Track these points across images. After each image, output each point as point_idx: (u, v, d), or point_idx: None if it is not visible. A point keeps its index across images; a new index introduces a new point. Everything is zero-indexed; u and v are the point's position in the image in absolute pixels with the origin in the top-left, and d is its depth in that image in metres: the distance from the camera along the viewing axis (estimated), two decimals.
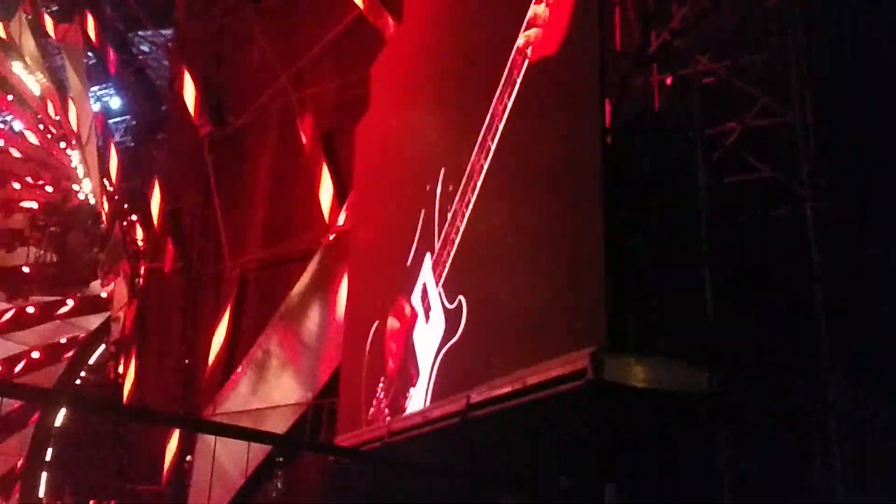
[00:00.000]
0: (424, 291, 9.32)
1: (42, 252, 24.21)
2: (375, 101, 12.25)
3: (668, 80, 8.50)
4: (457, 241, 8.77)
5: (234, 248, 15.85)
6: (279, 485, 13.36)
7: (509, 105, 8.26)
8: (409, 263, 9.76)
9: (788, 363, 7.09)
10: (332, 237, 13.24)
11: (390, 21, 13.11)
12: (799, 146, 7.69)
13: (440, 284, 9.02)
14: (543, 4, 7.97)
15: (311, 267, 13.39)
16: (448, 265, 8.94)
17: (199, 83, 17.13)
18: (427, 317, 9.20)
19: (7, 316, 28.22)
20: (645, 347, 6.75)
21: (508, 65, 8.35)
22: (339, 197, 13.60)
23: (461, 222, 8.71)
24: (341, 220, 13.25)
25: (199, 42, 17.76)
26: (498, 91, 8.44)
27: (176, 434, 15.43)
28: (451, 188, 9.14)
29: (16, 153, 26.62)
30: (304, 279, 13.47)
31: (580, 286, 6.96)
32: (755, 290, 7.38)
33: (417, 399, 9.06)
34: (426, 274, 9.29)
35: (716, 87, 8.10)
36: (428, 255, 9.31)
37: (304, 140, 14.58)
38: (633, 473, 6.61)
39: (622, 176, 7.40)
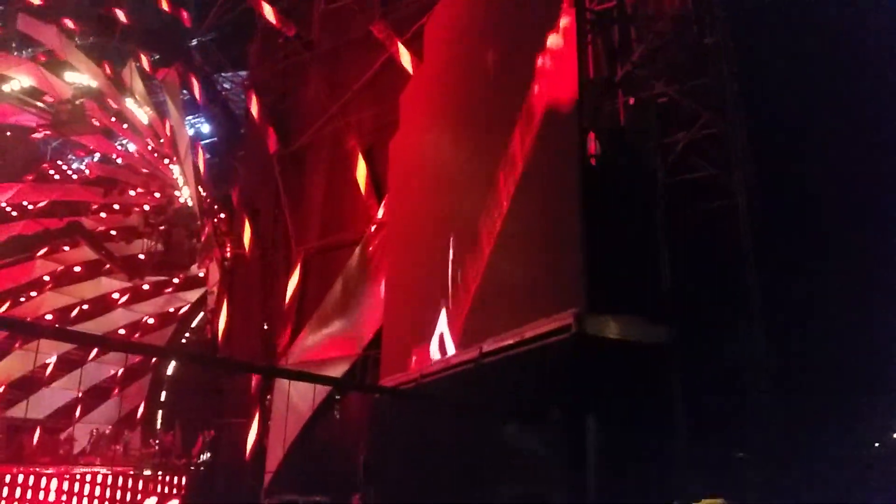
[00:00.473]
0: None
1: (153, 243, 24.19)
2: (404, 122, 12.16)
3: (631, 101, 8.39)
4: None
5: (299, 238, 15.80)
6: (337, 416, 13.36)
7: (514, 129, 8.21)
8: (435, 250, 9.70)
9: (727, 320, 7.06)
10: (373, 228, 13.18)
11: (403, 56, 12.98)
12: (732, 151, 7.62)
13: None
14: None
15: (358, 251, 13.35)
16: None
17: (268, 112, 17.05)
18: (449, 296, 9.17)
19: (129, 293, 28.41)
20: (616, 309, 6.71)
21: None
22: (378, 197, 13.54)
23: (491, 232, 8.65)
24: (380, 214, 13.18)
25: (268, 80, 17.65)
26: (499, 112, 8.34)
27: (258, 380, 15.45)
28: (470, 193, 9.07)
29: (133, 169, 26.60)
30: (353, 260, 13.43)
31: (565, 263, 6.92)
32: (701, 263, 7.32)
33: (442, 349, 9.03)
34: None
35: (668, 105, 8.02)
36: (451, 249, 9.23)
37: (349, 154, 14.51)
38: (609, 407, 6.56)
39: (596, 177, 7.34)
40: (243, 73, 20.40)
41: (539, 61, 7.95)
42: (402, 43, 13.81)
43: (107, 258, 22.02)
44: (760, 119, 7.82)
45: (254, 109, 17.42)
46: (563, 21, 7.46)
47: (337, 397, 12.98)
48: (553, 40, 7.80)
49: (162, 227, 22.34)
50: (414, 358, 9.82)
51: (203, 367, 19.41)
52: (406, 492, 9.25)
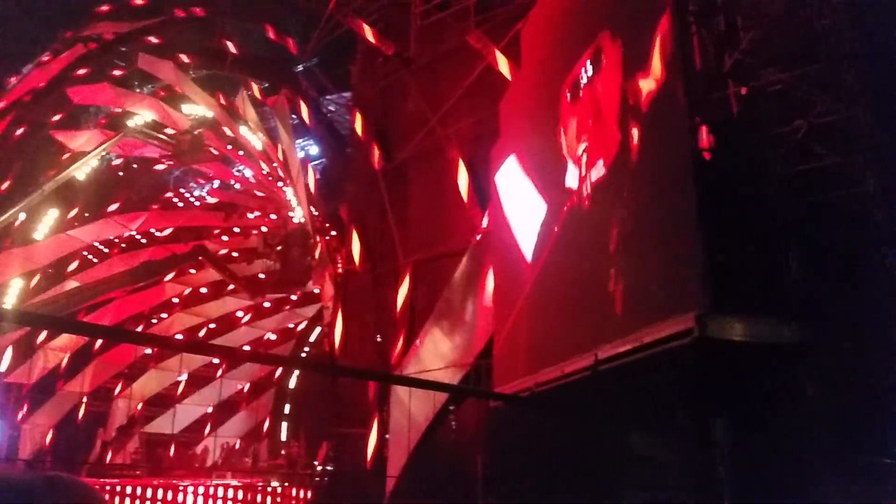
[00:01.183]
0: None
1: (272, 262, 25.28)
2: (504, 129, 12.14)
3: (743, 91, 8.02)
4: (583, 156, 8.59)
5: (406, 250, 16.06)
6: (453, 425, 13.45)
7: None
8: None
9: (863, 318, 6.57)
10: (478, 237, 13.21)
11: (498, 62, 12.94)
12: (857, 137, 7.14)
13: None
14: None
15: (464, 260, 13.40)
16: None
17: (372, 130, 17.47)
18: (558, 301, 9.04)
19: (251, 311, 29.84)
20: (740, 309, 6.39)
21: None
22: (481, 206, 13.56)
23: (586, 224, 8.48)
24: (484, 223, 13.20)
25: (370, 99, 18.10)
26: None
27: (376, 389, 15.77)
28: (572, 196, 8.93)
29: (249, 193, 27.94)
30: (460, 270, 13.49)
31: (682, 262, 6.64)
32: (829, 256, 6.86)
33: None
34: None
35: (783, 93, 7.60)
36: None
37: (451, 164, 14.63)
38: (738, 412, 6.26)
39: (711, 171, 7.03)
40: (346, 93, 21.04)
41: (641, 56, 7.74)
42: (499, 50, 13.83)
43: (230, 278, 23.21)
44: (887, 101, 7.27)
45: (358, 128, 17.90)
46: (665, 14, 7.23)
47: (451, 406, 13.09)
48: (655, 34, 7.57)
49: (279, 247, 23.27)
50: (526, 366, 9.74)
51: (324, 376, 20.01)
52: (526, 500, 9.19)
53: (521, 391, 9.50)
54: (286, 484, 20.35)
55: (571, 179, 9.03)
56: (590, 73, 8.78)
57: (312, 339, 30.20)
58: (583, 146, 8.70)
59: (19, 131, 23.90)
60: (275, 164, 22.64)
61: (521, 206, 10.83)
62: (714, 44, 8.26)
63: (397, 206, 16.39)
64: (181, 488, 19.87)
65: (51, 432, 25.94)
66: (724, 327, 6.13)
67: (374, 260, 17.43)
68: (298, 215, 22.10)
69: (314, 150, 24.57)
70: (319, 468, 19.83)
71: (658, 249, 7.02)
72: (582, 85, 8.98)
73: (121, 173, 27.39)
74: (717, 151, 7.36)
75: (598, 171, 8.26)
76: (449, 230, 14.80)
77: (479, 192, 13.70)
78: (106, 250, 26.37)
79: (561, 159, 9.35)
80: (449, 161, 14.68)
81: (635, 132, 7.63)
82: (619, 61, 7.97)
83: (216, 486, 20.73)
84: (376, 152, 17.05)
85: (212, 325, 29.88)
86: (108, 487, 19.25)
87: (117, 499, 19.07)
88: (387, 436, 15.10)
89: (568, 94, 9.30)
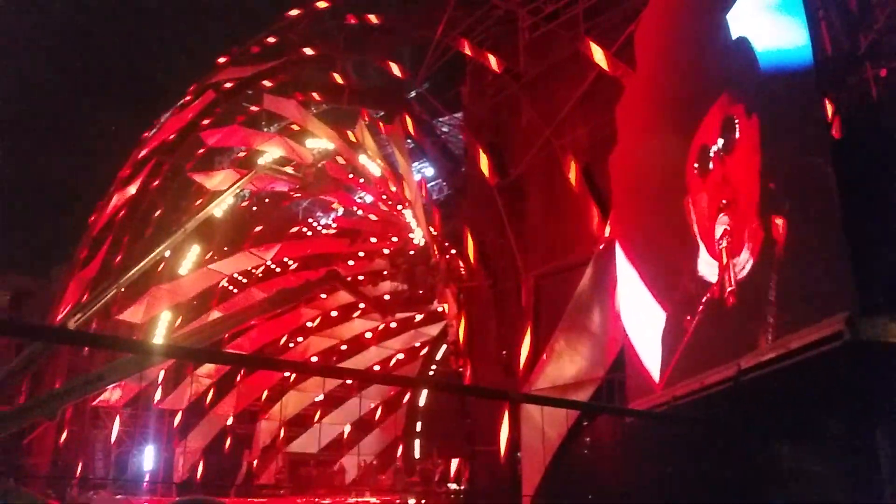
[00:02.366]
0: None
1: (398, 283, 25.93)
2: (622, 134, 11.84)
3: (883, 73, 7.40)
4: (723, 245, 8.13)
5: (526, 265, 15.93)
6: (587, 441, 13.14)
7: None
8: (671, 263, 9.24)
9: None
10: (601, 246, 12.91)
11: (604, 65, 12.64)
12: None
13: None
14: None
15: (589, 271, 13.10)
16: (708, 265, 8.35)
17: (486, 147, 17.56)
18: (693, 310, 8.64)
19: (379, 331, 30.67)
20: (894, 308, 5.87)
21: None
22: (603, 214, 13.26)
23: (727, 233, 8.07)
24: (607, 231, 12.89)
25: (482, 118, 18.22)
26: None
27: (506, 407, 15.69)
28: (702, 199, 8.55)
29: (371, 217, 28.88)
30: (585, 281, 13.20)
31: (826, 261, 6.20)
32: None
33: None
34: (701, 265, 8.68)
35: None
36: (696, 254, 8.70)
37: (568, 175, 14.44)
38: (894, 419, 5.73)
39: (851, 162, 6.52)
40: (458, 114, 21.32)
41: (764, 43, 7.33)
42: (611, 54, 13.56)
43: (362, 300, 23.98)
44: None
45: (472, 147, 18.07)
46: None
47: (584, 423, 12.78)
48: (779, 20, 7.16)
49: (404, 266, 23.83)
50: (662, 379, 9.37)
51: (452, 395, 20.22)
52: None
53: (658, 405, 9.14)
54: (423, 501, 20.63)
55: (700, 186, 8.64)
56: (720, 146, 8.27)
57: (438, 357, 30.61)
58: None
59: (160, 176, 25.95)
60: (393, 189, 23.25)
61: (645, 211, 10.51)
62: (845, 26, 7.71)
63: (515, 222, 16.33)
64: None
65: (201, 455, 27.71)
66: (877, 328, 5.67)
67: (496, 276, 17.42)
68: (418, 236, 22.55)
69: (430, 171, 25.04)
70: (454, 486, 19.92)
71: (803, 252, 6.58)
72: (711, 157, 8.46)
73: (254, 208, 29.10)
74: (856, 139, 6.84)
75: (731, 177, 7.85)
76: (570, 242, 14.56)
77: (600, 201, 13.41)
78: (244, 280, 28.03)
79: (687, 159, 8.97)
80: (566, 172, 14.49)
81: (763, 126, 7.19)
82: (757, 142, 7.45)
83: (355, 503, 21.33)
84: (491, 169, 17.11)
85: (343, 347, 30.98)
86: None
87: None
88: (519, 454, 14.95)
89: (696, 165, 8.79)
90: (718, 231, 8.17)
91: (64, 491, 20.12)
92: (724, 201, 8.08)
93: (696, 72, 9.14)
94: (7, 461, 16.35)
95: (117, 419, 26.86)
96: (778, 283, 6.82)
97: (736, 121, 7.86)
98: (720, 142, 8.19)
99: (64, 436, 23.31)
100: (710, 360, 8.07)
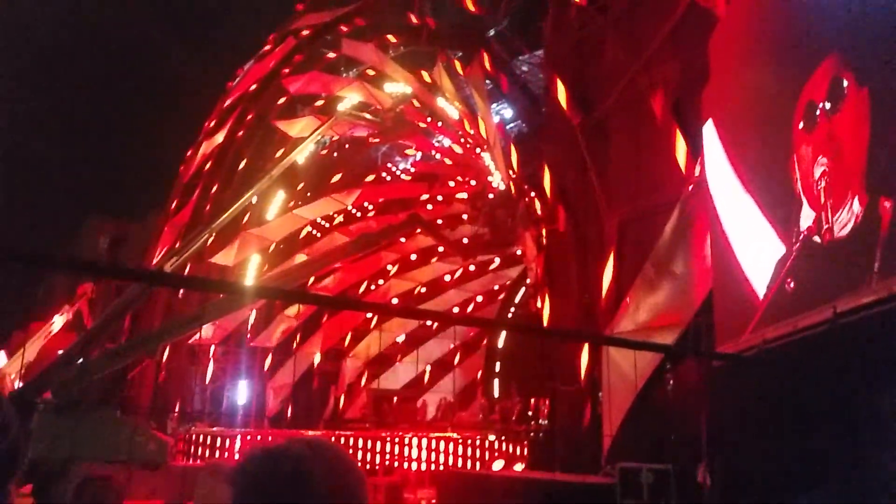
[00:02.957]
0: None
1: (478, 227, 25.95)
2: (716, 70, 11.23)
3: None
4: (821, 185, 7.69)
5: (610, 207, 15.63)
6: (671, 384, 13.00)
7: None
8: (775, 203, 8.81)
9: None
10: (690, 188, 12.47)
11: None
12: None
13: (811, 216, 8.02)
14: None
15: (676, 213, 12.73)
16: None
17: (568, 85, 17.08)
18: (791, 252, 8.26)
19: (458, 274, 30.92)
20: None
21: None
22: (693, 153, 12.77)
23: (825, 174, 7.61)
24: (697, 171, 12.41)
25: (564, 54, 17.69)
26: None
27: (586, 348, 15.69)
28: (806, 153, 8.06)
29: (448, 161, 28.80)
30: (671, 223, 12.84)
31: None
32: None
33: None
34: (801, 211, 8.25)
35: None
36: (800, 197, 8.26)
37: (656, 112, 13.90)
38: None
39: None
40: (539, 52, 20.77)
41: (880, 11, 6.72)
42: None
43: (443, 243, 24.13)
44: None
45: (552, 86, 17.62)
46: None
47: (668, 366, 12.63)
48: None
49: (485, 210, 23.76)
50: (753, 323, 9.08)
51: (531, 337, 20.34)
52: (756, 462, 8.63)
53: (748, 349, 8.88)
54: (502, 438, 21.01)
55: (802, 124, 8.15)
56: (828, 108, 7.69)
57: (517, 299, 30.67)
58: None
59: (245, 124, 26.53)
60: (472, 132, 23.03)
61: (741, 149, 10.02)
62: None
63: (599, 163, 15.95)
64: (406, 440, 21.30)
65: (290, 391, 28.99)
66: None
67: (577, 219, 17.19)
68: (497, 179, 22.35)
69: (509, 113, 24.63)
70: (534, 425, 20.17)
71: None
72: (818, 116, 7.89)
73: (335, 154, 29.48)
74: None
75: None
76: (656, 183, 14.15)
77: (690, 140, 12.89)
78: (327, 225, 28.64)
79: (793, 97, 8.44)
80: (653, 110, 13.96)
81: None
82: (867, 114, 6.87)
83: (437, 439, 21.94)
84: (573, 108, 16.68)
85: (423, 290, 31.43)
86: (342, 440, 21.19)
87: (351, 450, 20.93)
88: (601, 394, 14.98)
89: (801, 122, 8.22)
90: (818, 171, 7.73)
91: (164, 422, 21.50)
92: (825, 158, 7.62)
93: (805, 23, 8.48)
94: (113, 394, 17.52)
95: (211, 356, 28.35)
96: (888, 225, 6.41)
97: (845, 84, 7.31)
98: (828, 104, 7.66)
99: (163, 372, 24.79)
100: (804, 302, 7.75)
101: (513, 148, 21.16)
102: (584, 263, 16.88)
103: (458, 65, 22.05)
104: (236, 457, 19.56)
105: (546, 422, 18.80)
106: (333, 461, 1.25)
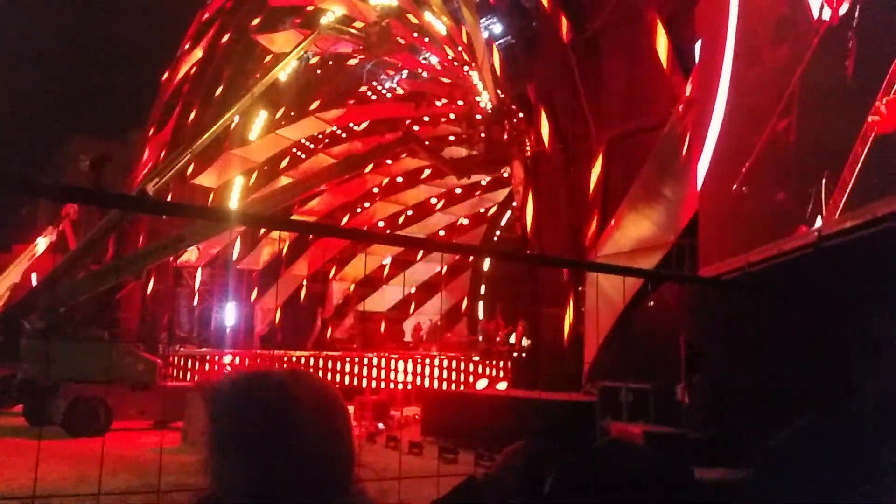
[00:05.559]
0: None
1: (466, 148, 25.59)
2: None
3: None
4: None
5: (599, 126, 15.38)
6: (651, 304, 13.12)
7: None
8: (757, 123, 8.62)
9: None
10: (680, 107, 12.22)
11: None
12: None
13: None
14: None
15: (665, 133, 12.53)
16: None
17: (560, 1, 16.51)
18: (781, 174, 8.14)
19: (443, 199, 30.75)
20: None
21: None
22: (684, 72, 12.45)
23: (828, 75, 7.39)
24: (688, 90, 12.13)
25: None
26: None
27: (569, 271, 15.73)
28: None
29: (437, 80, 28.09)
30: (660, 144, 12.65)
31: None
32: None
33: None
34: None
35: None
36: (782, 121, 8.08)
37: (648, 29, 13.48)
38: None
39: None
40: None
41: None
42: None
43: (437, 161, 23.77)
44: None
45: (547, 1, 17.01)
46: None
47: (649, 288, 12.69)
48: None
49: (482, 128, 23.26)
50: (736, 245, 9.05)
51: (516, 264, 20.42)
52: (736, 382, 8.79)
53: (731, 271, 8.89)
54: (486, 359, 21.39)
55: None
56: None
57: (503, 222, 30.66)
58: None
59: (225, 38, 25.62)
60: (459, 48, 22.38)
61: (736, 65, 9.73)
62: None
63: (589, 81, 15.58)
64: (393, 360, 21.66)
65: (278, 312, 29.20)
66: None
67: (565, 140, 16.95)
68: (485, 99, 21.86)
69: (497, 28, 23.85)
70: (517, 346, 20.51)
71: None
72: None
73: (318, 71, 28.64)
74: None
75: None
76: (646, 102, 13.87)
77: (682, 57, 12.55)
78: (311, 146, 28.15)
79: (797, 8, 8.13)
80: (647, 25, 13.52)
81: None
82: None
83: (423, 357, 22.33)
84: (565, 24, 16.15)
85: (409, 213, 31.31)
86: (329, 362, 21.51)
87: (339, 370, 21.30)
88: (583, 309, 15.15)
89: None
90: None
91: (154, 344, 21.67)
92: None
93: None
94: (100, 316, 17.53)
95: (198, 278, 28.36)
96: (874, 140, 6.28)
97: None
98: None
99: (149, 291, 24.79)
100: (784, 225, 7.70)
101: (501, 66, 20.63)
102: (571, 185, 16.75)
103: None
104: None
105: (529, 342, 19.09)
106: (316, 390, 1.17)
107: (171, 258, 23.03)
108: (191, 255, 26.29)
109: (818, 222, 7.09)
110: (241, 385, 1.15)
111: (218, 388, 1.15)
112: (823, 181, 7.06)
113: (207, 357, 21.78)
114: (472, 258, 28.88)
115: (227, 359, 21.86)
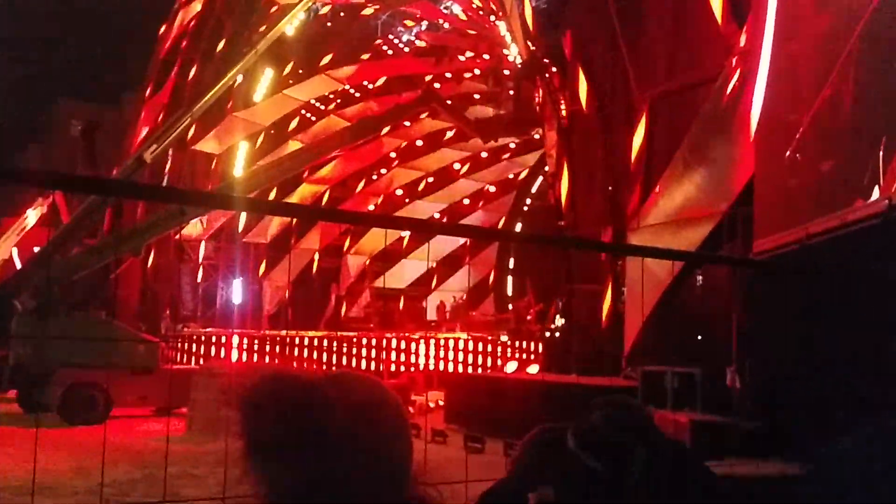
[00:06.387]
0: None
1: (493, 108, 25.38)
2: None
3: None
4: None
5: (641, 83, 15.12)
6: (699, 280, 13.00)
7: None
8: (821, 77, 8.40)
9: None
10: (734, 60, 11.95)
11: None
12: None
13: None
14: None
15: (716, 88, 12.28)
16: None
17: None
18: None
19: (468, 164, 30.59)
20: None
21: None
22: (738, 21, 12.17)
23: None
24: (742, 41, 11.86)
25: None
26: None
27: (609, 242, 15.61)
28: None
29: (459, 32, 27.79)
30: (710, 100, 12.43)
31: None
32: None
33: None
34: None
35: None
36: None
37: None
38: None
39: None
40: None
41: None
42: None
43: (461, 123, 23.66)
44: None
45: None
46: None
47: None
48: None
49: (510, 85, 23.03)
50: (796, 214, 8.89)
51: (551, 228, 20.21)
52: (791, 368, 8.70)
53: (789, 244, 8.74)
54: (516, 339, 21.44)
55: None
56: None
57: (534, 189, 30.46)
58: None
59: None
60: None
61: (796, 12, 9.49)
62: None
63: (631, 33, 15.29)
64: (414, 341, 21.79)
65: (289, 289, 29.46)
66: None
67: (604, 98, 16.74)
68: (514, 53, 21.57)
69: None
70: (550, 325, 20.48)
71: None
72: None
73: (329, 24, 28.44)
74: None
75: None
76: (695, 56, 13.60)
77: (735, 5, 12.26)
78: (322, 107, 28.10)
79: None
80: None
81: None
82: None
83: (446, 339, 22.43)
84: None
85: (430, 180, 31.26)
86: (344, 345, 21.67)
87: (355, 350, 21.48)
88: (623, 289, 15.07)
89: None
90: None
91: (156, 324, 21.97)
92: None
93: None
94: (97, 295, 17.78)
95: (202, 251, 28.63)
96: None
97: None
98: None
99: (150, 267, 25.07)
100: (852, 193, 7.53)
101: (531, 15, 20.31)
102: (610, 148, 16.59)
103: None
104: (233, 360, 20.07)
105: (563, 321, 19.04)
106: (360, 392, 1.22)
107: (172, 232, 23.24)
108: (195, 228, 26.54)
109: (875, 193, 6.93)
110: (273, 389, 1.18)
111: (251, 395, 1.18)
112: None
113: (213, 338, 22.07)
114: (500, 225, 28.81)
115: (234, 339, 22.12)
